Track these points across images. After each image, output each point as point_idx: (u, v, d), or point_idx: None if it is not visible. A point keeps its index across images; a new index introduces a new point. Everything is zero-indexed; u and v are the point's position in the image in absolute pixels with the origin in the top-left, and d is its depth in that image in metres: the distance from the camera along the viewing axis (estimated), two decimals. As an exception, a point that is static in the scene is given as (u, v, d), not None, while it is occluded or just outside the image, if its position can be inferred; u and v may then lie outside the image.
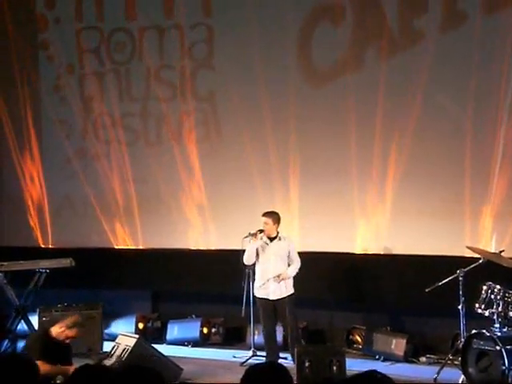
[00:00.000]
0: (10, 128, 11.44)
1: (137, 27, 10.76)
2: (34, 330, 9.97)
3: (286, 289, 8.82)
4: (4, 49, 11.43)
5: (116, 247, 10.97)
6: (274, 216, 8.90)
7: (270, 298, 8.80)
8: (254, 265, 8.95)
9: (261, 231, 8.83)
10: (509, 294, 7.83)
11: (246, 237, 8.81)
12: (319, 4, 9.75)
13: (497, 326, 7.79)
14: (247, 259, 8.87)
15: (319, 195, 9.76)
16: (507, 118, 8.82)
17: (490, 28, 8.87)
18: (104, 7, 10.91)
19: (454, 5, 9.06)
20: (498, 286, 7.88)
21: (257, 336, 9.49)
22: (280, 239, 8.88)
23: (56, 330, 7.84)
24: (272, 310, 8.82)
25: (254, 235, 8.78)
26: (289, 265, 8.89)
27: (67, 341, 7.89)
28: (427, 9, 9.16)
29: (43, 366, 7.13)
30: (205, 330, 10.21)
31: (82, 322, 8.17)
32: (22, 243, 11.25)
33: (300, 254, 9.10)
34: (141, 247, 10.89)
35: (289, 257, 8.90)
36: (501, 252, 8.20)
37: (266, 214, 8.89)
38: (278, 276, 8.78)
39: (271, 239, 8.87)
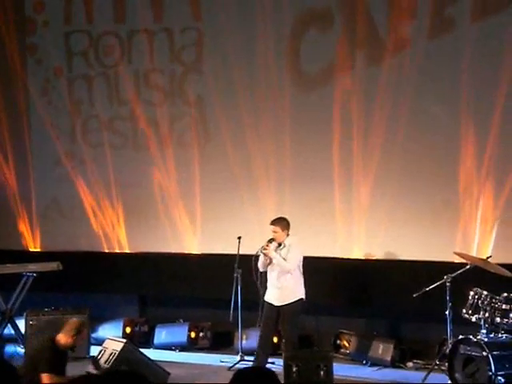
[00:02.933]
0: (4, 129, 11.40)
1: (126, 30, 10.75)
2: (22, 335, 9.94)
3: (289, 295, 8.65)
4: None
5: (104, 251, 10.95)
6: (283, 222, 8.72)
7: (275, 304, 8.74)
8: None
9: (271, 240, 8.70)
10: (496, 299, 7.86)
11: (258, 254, 8.67)
12: (308, 10, 9.77)
13: (484, 331, 7.82)
14: (261, 266, 8.76)
15: (307, 201, 9.76)
16: (497, 124, 8.85)
17: (479, 34, 8.91)
18: (93, 10, 10.89)
19: (442, 11, 9.09)
20: (485, 292, 7.91)
21: (245, 341, 9.49)
22: (284, 247, 8.72)
23: (65, 339, 7.44)
24: (274, 314, 8.71)
25: (264, 248, 8.65)
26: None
27: (74, 348, 7.66)
28: (416, 15, 9.19)
29: (53, 379, 6.94)
30: (192, 335, 10.19)
31: (84, 324, 7.93)
32: (10, 246, 11.21)
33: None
34: (129, 251, 10.87)
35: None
36: (488, 258, 8.23)
37: (273, 222, 8.73)
38: (263, 248, 8.63)
39: (279, 245, 8.74)
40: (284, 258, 8.66)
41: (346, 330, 9.66)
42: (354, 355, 9.40)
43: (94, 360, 8.51)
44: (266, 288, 8.79)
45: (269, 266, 8.74)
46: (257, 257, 8.74)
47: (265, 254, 8.65)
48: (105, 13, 10.84)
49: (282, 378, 7.90)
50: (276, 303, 8.71)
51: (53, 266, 10.15)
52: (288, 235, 8.74)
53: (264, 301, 8.78)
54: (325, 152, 9.70)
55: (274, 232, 8.70)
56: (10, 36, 11.31)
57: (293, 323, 8.71)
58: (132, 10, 10.71)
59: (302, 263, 8.74)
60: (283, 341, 8.83)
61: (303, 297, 8.72)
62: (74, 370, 8.99)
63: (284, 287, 8.67)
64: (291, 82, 9.90)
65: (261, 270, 8.78)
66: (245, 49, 10.07)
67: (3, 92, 11.42)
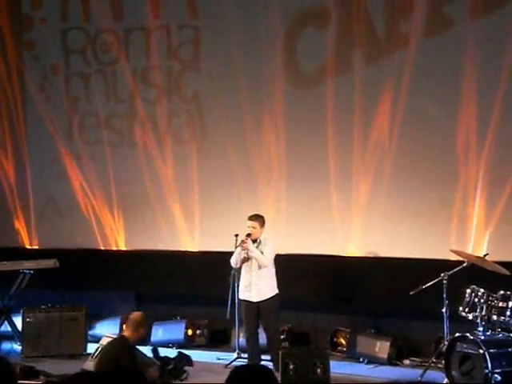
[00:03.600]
0: (1, 126, 11.38)
1: (123, 28, 10.74)
2: (19, 332, 9.93)
3: (268, 290, 8.76)
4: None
5: (101, 248, 10.94)
6: (260, 219, 8.88)
7: (253, 301, 8.78)
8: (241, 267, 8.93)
9: (249, 235, 8.79)
10: (492, 297, 7.86)
11: (237, 246, 8.75)
12: (305, 8, 9.77)
13: (480, 329, 7.83)
14: (234, 262, 8.87)
15: (304, 198, 9.76)
16: (495, 123, 8.85)
17: (478, 32, 8.90)
18: (90, 8, 10.88)
19: (440, 9, 9.09)
20: (482, 290, 7.91)
21: (241, 338, 9.48)
22: (260, 243, 8.83)
23: (134, 335, 7.51)
24: (255, 312, 8.79)
25: (244, 242, 8.73)
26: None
27: (141, 340, 7.74)
28: (413, 13, 9.19)
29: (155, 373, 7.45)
30: (189, 332, 10.18)
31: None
32: (6, 244, 11.19)
33: (284, 256, 9.09)
34: (126, 249, 10.87)
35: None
36: (485, 256, 8.23)
37: (252, 218, 8.86)
38: (243, 242, 8.71)
39: (254, 241, 8.84)
40: (262, 252, 8.73)
41: (343, 328, 9.67)
42: (351, 353, 9.39)
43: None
44: (235, 285, 8.85)
45: (244, 264, 8.78)
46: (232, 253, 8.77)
47: (243, 248, 8.70)
48: (102, 10, 10.82)
49: (278, 376, 7.91)
50: (255, 299, 8.75)
51: (50, 263, 10.15)
52: (262, 233, 8.85)
53: (241, 300, 8.83)
54: (322, 150, 9.69)
55: (253, 228, 8.80)
56: (7, 33, 11.29)
57: (275, 319, 8.80)
58: (129, 7, 10.70)
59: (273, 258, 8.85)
60: (268, 338, 8.82)
61: (277, 291, 8.80)
62: (69, 367, 9.01)
63: (262, 283, 8.74)
64: (288, 80, 9.89)
65: (234, 266, 8.85)
66: (242, 46, 10.05)
67: (0, 89, 11.40)
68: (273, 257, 8.85)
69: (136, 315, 7.73)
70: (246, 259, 8.78)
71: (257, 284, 8.75)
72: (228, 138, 10.19)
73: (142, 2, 10.62)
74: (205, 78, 10.33)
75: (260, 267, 8.74)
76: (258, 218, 8.88)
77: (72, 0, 10.96)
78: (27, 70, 11.28)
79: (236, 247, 8.84)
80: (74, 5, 10.94)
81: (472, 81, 8.94)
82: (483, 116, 8.90)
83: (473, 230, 8.99)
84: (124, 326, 7.62)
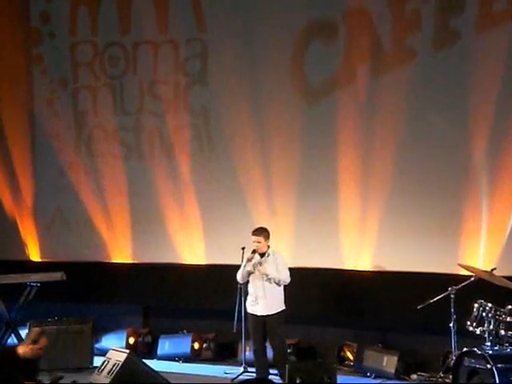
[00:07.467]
0: (9, 139, 11.43)
1: (131, 41, 10.79)
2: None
3: (274, 304, 8.69)
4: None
5: (108, 261, 10.95)
6: (265, 233, 8.81)
7: (258, 314, 8.73)
8: (248, 281, 8.88)
9: (254, 251, 8.73)
10: (500, 312, 7.82)
11: (245, 264, 8.68)
12: (312, 22, 9.79)
13: (488, 344, 7.78)
14: (240, 278, 8.81)
15: (312, 212, 9.75)
16: (505, 137, 8.83)
17: (483, 47, 8.90)
18: (98, 21, 10.93)
19: (447, 23, 9.10)
20: (490, 304, 7.87)
21: (248, 352, 9.46)
22: (268, 255, 8.77)
23: (23, 349, 7.50)
24: (261, 325, 8.74)
25: (250, 259, 8.69)
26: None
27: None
28: (420, 27, 9.20)
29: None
30: (196, 346, 10.17)
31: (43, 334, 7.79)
32: (13, 256, 11.21)
33: (291, 270, 9.06)
34: (133, 262, 10.87)
35: (277, 271, 8.76)
36: (492, 270, 8.20)
37: (256, 233, 8.79)
38: (249, 260, 8.66)
39: (261, 255, 8.81)
40: (277, 265, 8.65)
41: (350, 342, 9.63)
42: (358, 367, 9.36)
43: None
44: (242, 299, 8.81)
45: (251, 278, 8.74)
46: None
47: (259, 271, 8.63)
48: (110, 24, 10.88)
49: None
50: (260, 313, 8.68)
51: (57, 276, 10.15)
52: (268, 246, 8.78)
53: (248, 314, 8.78)
54: (329, 163, 9.69)
55: (258, 242, 8.74)
56: (16, 46, 11.35)
57: (281, 333, 8.71)
58: (137, 21, 10.75)
59: None
60: (274, 352, 8.78)
61: (284, 307, 8.74)
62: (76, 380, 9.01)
63: (269, 297, 8.66)
64: (295, 93, 9.90)
65: (240, 281, 8.81)
66: (249, 60, 10.08)
67: (9, 102, 11.45)
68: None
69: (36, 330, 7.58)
70: (252, 272, 8.74)
71: (264, 297, 8.70)
72: (234, 151, 10.20)
73: (150, 15, 10.66)
74: (212, 92, 10.36)
75: (268, 283, 8.67)
76: (262, 232, 8.81)
77: (80, 14, 11.02)
78: (35, 83, 11.32)
79: (242, 261, 8.80)
80: (83, 19, 11.00)
81: (480, 94, 8.93)
82: (494, 129, 8.88)
83: (481, 244, 8.97)
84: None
